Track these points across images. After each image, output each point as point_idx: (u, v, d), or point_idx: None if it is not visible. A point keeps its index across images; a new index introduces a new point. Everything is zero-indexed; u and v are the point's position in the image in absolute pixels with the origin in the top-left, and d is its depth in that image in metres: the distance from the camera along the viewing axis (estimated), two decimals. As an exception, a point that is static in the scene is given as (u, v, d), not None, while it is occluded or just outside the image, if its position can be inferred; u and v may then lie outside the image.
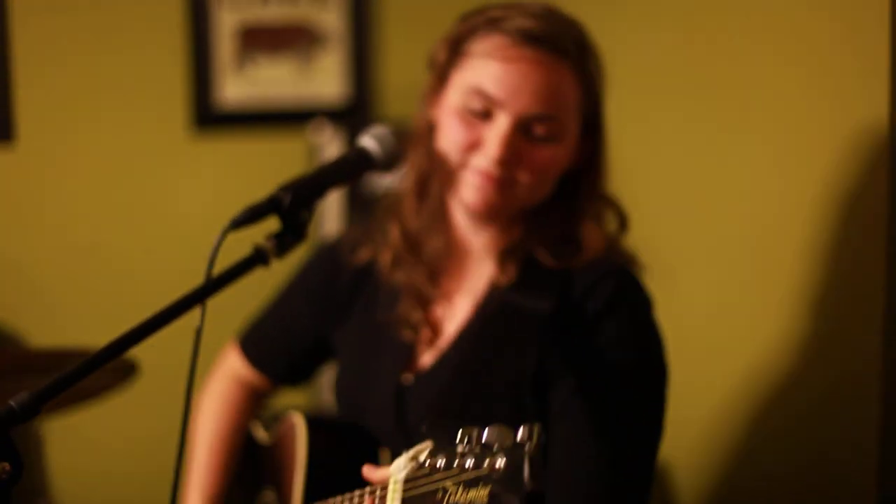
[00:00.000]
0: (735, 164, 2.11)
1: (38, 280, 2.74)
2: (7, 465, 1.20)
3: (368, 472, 1.40)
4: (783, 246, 1.99)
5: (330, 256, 1.88)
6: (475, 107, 1.61)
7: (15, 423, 1.21)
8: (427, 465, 1.17)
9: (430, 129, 1.70)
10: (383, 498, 1.31)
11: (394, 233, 1.76)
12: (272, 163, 2.85)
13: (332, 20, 2.93)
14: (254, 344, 1.94)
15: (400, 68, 2.98)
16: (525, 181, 1.62)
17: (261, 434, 1.93)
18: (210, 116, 2.86)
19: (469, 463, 1.14)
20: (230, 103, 2.88)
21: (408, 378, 1.72)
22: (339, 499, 1.47)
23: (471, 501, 1.11)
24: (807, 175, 1.93)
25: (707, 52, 2.17)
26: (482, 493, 1.10)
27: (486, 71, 1.60)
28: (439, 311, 1.75)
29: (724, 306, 2.14)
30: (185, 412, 1.42)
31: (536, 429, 1.10)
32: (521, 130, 1.61)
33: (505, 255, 1.70)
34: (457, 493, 1.13)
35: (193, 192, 2.87)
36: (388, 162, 1.62)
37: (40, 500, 2.72)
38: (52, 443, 2.75)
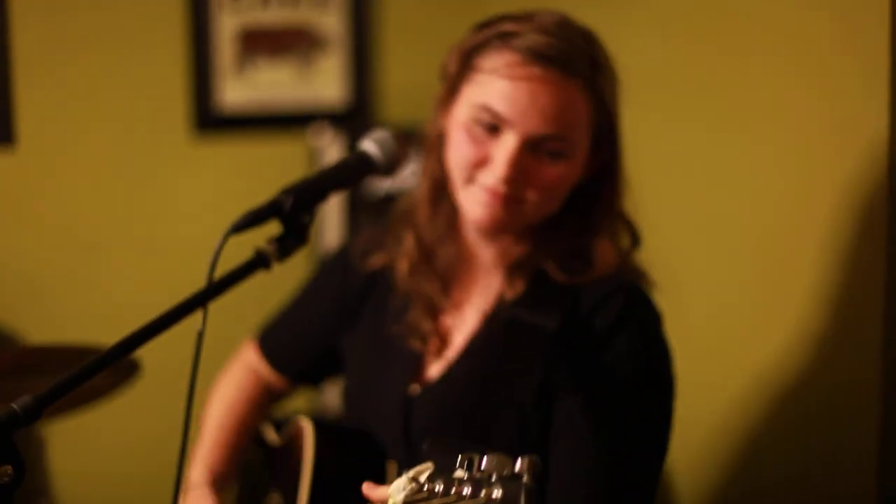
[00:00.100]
0: (736, 167, 2.11)
1: (39, 282, 2.74)
2: (9, 468, 1.21)
3: (368, 489, 1.39)
4: (785, 248, 2.00)
5: (342, 261, 1.89)
6: (483, 123, 1.59)
7: (17, 427, 1.22)
8: (426, 488, 1.17)
9: (441, 139, 1.69)
10: None
11: (409, 241, 1.76)
12: (272, 166, 2.85)
13: (332, 23, 2.93)
14: (270, 342, 1.95)
15: (400, 72, 2.98)
16: (532, 199, 1.61)
17: (271, 436, 1.93)
18: (210, 119, 2.87)
19: (466, 490, 1.14)
20: (230, 106, 2.88)
21: (415, 389, 1.72)
22: None
23: None
24: (809, 179, 1.93)
25: (708, 56, 2.18)
26: None
27: (494, 88, 1.58)
28: (449, 321, 1.75)
29: (726, 309, 2.14)
30: (186, 414, 1.43)
31: (534, 461, 1.10)
32: (529, 149, 1.58)
33: (512, 270, 1.69)
34: None
35: (193, 195, 2.87)
36: (389, 166, 1.63)
37: (42, 501, 2.72)
38: (54, 443, 2.75)
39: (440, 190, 1.71)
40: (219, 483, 1.85)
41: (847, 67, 1.83)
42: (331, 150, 2.80)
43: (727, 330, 2.13)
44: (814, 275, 1.91)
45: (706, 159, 2.19)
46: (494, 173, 1.58)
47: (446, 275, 1.74)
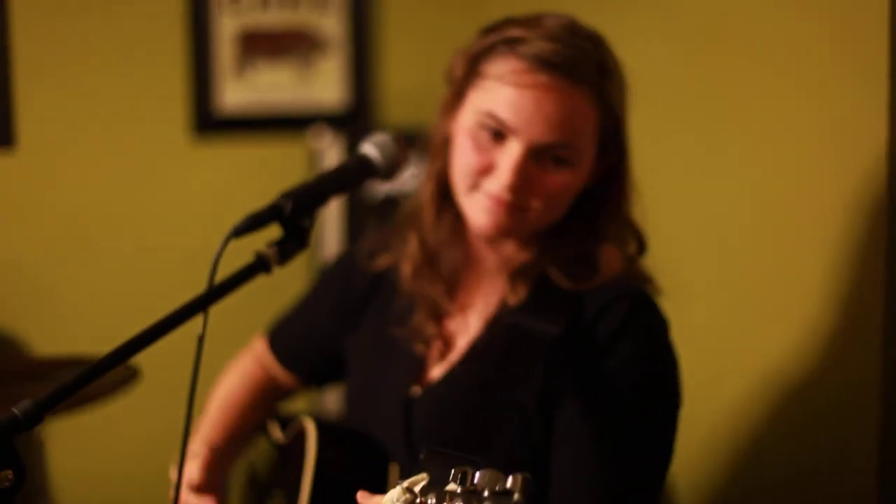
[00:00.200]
0: (737, 170, 2.11)
1: (39, 285, 2.75)
2: (10, 473, 1.21)
3: (363, 498, 1.39)
4: (785, 251, 2.00)
5: (349, 261, 1.89)
6: (488, 130, 1.58)
7: (18, 431, 1.22)
8: (418, 501, 1.18)
9: (446, 143, 1.68)
10: None
11: (413, 244, 1.75)
12: (272, 168, 2.86)
13: (332, 25, 2.93)
14: (280, 338, 1.96)
15: (400, 74, 2.99)
16: (537, 206, 1.60)
17: (276, 434, 1.93)
18: (210, 121, 2.87)
19: None
20: (230, 108, 2.88)
21: (416, 391, 1.71)
22: None
23: None
24: (810, 182, 1.93)
25: (707, 60, 2.18)
26: None
27: (499, 96, 1.57)
28: (453, 325, 1.74)
29: (727, 311, 2.14)
30: (187, 418, 1.43)
31: (527, 478, 1.10)
32: (534, 156, 1.57)
33: (516, 275, 1.68)
34: None
35: (193, 197, 2.87)
36: (389, 170, 1.63)
37: (41, 502, 2.72)
38: (54, 445, 2.75)
39: (445, 193, 1.70)
40: (217, 454, 1.82)
41: (847, 71, 1.83)
42: (330, 152, 2.80)
43: (728, 331, 2.13)
44: (815, 277, 1.91)
45: (707, 163, 2.19)
46: (499, 181, 1.58)
47: (450, 278, 1.74)
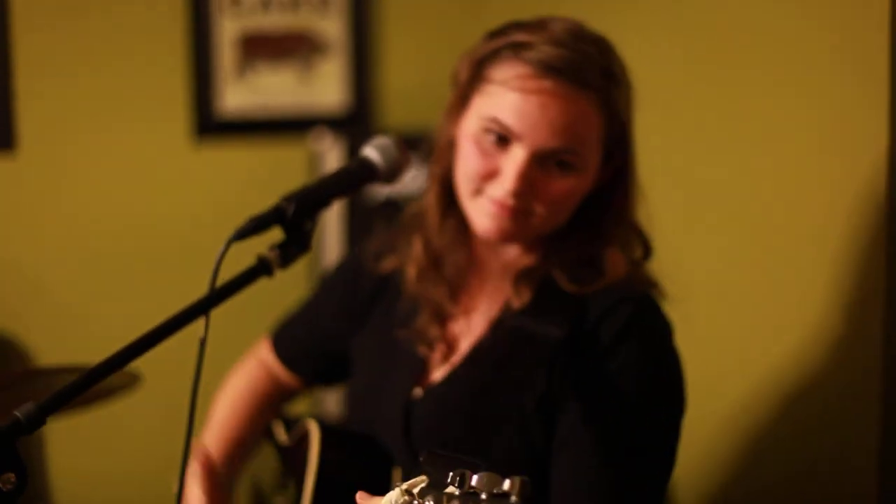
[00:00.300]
0: (737, 175, 2.11)
1: (40, 288, 2.75)
2: (12, 476, 1.21)
3: (362, 499, 1.39)
4: (786, 254, 2.00)
5: (355, 263, 1.89)
6: (493, 135, 1.58)
7: (20, 435, 1.22)
8: (416, 503, 1.19)
9: (451, 146, 1.68)
10: None
11: (417, 247, 1.75)
12: (273, 171, 2.86)
13: (332, 28, 2.94)
14: (284, 341, 1.96)
15: (401, 76, 2.98)
16: (541, 211, 1.60)
17: (281, 436, 1.94)
18: (211, 124, 2.87)
19: None
20: (231, 111, 2.88)
21: (418, 392, 1.72)
22: None
23: None
24: (811, 186, 1.94)
25: (708, 66, 2.18)
26: None
27: (504, 101, 1.56)
28: (456, 327, 1.74)
29: (728, 313, 2.14)
30: (189, 422, 1.43)
31: (525, 481, 1.11)
32: (538, 162, 1.57)
33: (520, 279, 1.68)
34: None
35: (194, 199, 2.87)
36: (391, 173, 1.63)
37: (41, 502, 2.72)
38: (54, 445, 2.76)
39: (449, 197, 1.70)
40: (219, 470, 1.81)
41: (848, 73, 1.83)
42: (331, 154, 2.80)
43: (729, 333, 2.13)
44: (816, 279, 1.92)
45: (707, 166, 2.20)
46: (503, 186, 1.58)
47: (454, 281, 1.74)
